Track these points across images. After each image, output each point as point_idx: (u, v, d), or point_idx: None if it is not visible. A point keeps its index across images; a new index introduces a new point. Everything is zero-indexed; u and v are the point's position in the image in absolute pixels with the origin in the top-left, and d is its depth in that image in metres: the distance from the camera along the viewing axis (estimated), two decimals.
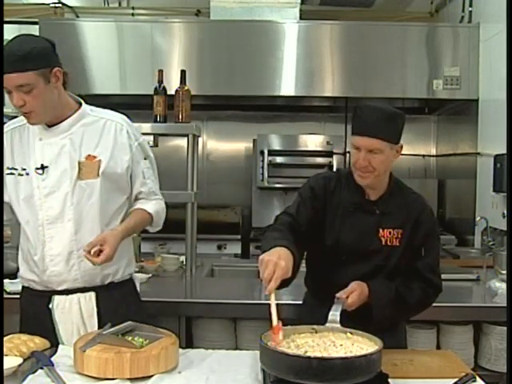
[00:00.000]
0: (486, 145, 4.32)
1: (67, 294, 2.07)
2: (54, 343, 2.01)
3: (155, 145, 3.23)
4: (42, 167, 2.02)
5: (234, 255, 4.18)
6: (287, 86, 4.65)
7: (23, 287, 2.19)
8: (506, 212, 3.66)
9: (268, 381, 1.68)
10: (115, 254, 1.96)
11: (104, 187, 2.04)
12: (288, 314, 2.44)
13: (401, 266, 2.03)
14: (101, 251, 1.92)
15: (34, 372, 1.76)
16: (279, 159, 5.18)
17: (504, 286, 2.84)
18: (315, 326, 1.83)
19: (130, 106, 3.14)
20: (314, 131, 5.45)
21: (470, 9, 4.70)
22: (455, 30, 4.63)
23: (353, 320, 1.86)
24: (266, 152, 5.10)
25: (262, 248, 1.88)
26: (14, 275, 2.86)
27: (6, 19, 4.44)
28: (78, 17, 5.21)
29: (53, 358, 1.85)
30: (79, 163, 2.02)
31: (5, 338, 1.92)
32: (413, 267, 2.03)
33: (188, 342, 2.67)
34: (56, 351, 1.94)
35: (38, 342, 1.97)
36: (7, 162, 2.06)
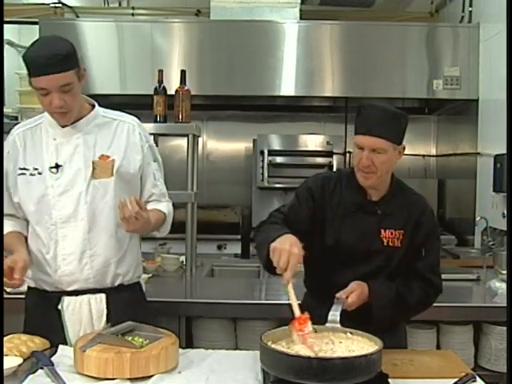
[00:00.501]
0: (486, 145, 4.32)
1: (77, 294, 2.07)
2: (62, 343, 2.00)
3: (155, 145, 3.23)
4: (57, 166, 2.03)
5: (234, 255, 4.18)
6: (287, 86, 4.65)
7: (29, 288, 2.16)
8: (506, 212, 3.66)
9: (268, 381, 1.68)
10: (143, 228, 1.97)
11: (117, 187, 2.06)
12: (288, 314, 2.44)
13: (402, 266, 2.03)
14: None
15: (33, 372, 1.76)
16: (279, 159, 5.19)
17: (504, 285, 2.84)
18: (315, 326, 1.82)
19: (130, 106, 3.13)
20: (314, 131, 5.46)
21: (470, 9, 4.70)
22: (455, 30, 4.63)
23: (353, 320, 1.86)
24: (265, 152, 5.10)
25: (258, 240, 1.90)
26: None
27: (6, 19, 4.45)
28: (78, 17, 5.21)
29: (53, 358, 1.85)
30: (93, 163, 2.04)
31: (5, 338, 1.92)
32: (413, 267, 2.03)
33: (188, 342, 2.67)
34: (56, 351, 1.93)
35: (37, 342, 1.97)
36: (19, 163, 2.07)
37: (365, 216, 2.01)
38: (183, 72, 3.23)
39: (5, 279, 1.91)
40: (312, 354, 1.65)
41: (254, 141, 5.24)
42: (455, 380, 1.76)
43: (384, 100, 4.72)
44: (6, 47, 5.51)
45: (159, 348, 1.77)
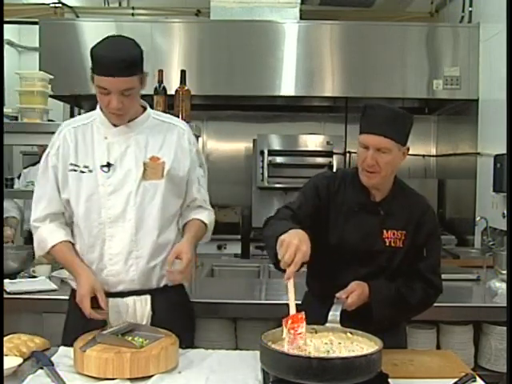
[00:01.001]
0: (486, 145, 4.32)
1: (122, 296, 2.06)
2: None
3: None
4: (108, 165, 2.03)
5: (234, 255, 4.18)
6: (287, 86, 4.65)
7: (73, 290, 2.11)
8: (506, 212, 3.66)
9: (268, 381, 1.68)
10: (195, 260, 2.00)
11: (166, 189, 2.05)
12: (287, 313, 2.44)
13: (403, 266, 2.03)
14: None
15: (34, 372, 1.76)
16: (279, 159, 5.18)
17: (504, 285, 2.84)
18: (315, 326, 1.82)
19: None
20: (314, 131, 5.46)
21: (470, 9, 4.70)
22: (455, 30, 4.63)
23: (353, 320, 1.86)
24: (265, 152, 5.10)
25: (267, 234, 1.89)
26: (13, 275, 2.87)
27: (6, 19, 4.45)
28: (78, 17, 5.21)
29: (53, 358, 1.85)
30: (144, 164, 2.03)
31: (5, 338, 1.92)
32: (414, 268, 2.03)
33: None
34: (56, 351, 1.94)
35: (38, 342, 1.97)
36: (70, 159, 2.06)
37: (367, 216, 2.02)
38: (183, 72, 3.22)
39: (92, 312, 1.92)
40: (312, 354, 1.65)
41: (254, 141, 5.24)
42: (455, 380, 1.76)
43: (384, 100, 4.73)
44: (6, 47, 5.53)
45: (159, 348, 1.77)
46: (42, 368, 1.78)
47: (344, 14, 5.29)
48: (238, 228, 5.02)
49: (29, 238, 4.43)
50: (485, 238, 3.90)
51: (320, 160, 5.13)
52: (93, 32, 4.51)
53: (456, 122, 5.15)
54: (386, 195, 2.04)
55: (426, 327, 2.75)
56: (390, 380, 1.69)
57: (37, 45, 4.61)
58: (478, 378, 1.79)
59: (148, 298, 2.07)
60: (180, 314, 2.09)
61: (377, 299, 1.95)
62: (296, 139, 5.21)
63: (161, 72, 3.22)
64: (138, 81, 1.95)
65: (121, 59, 1.89)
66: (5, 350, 1.85)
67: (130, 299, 2.06)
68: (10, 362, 1.78)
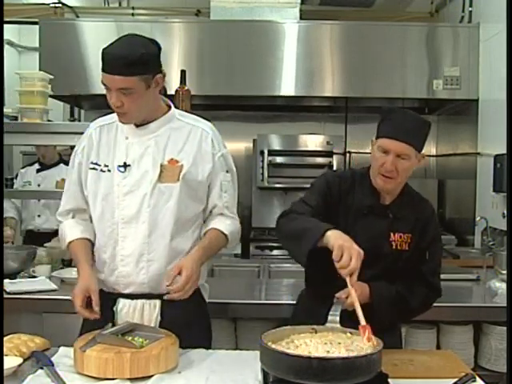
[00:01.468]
0: (486, 145, 4.32)
1: (132, 298, 2.04)
2: None
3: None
4: (125, 165, 2.01)
5: (234, 255, 4.18)
6: (287, 86, 4.65)
7: None
8: (506, 212, 3.66)
9: (268, 381, 1.68)
10: (199, 277, 1.94)
11: (182, 193, 2.01)
12: (289, 313, 2.44)
13: (405, 269, 2.03)
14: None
15: (34, 372, 1.76)
16: (279, 159, 5.18)
17: (504, 285, 2.84)
18: (315, 326, 1.82)
19: None
20: (314, 131, 5.45)
21: (470, 9, 4.70)
22: (455, 30, 4.63)
23: (353, 320, 1.86)
24: (265, 152, 5.10)
25: (289, 228, 1.88)
26: (13, 275, 2.87)
27: (6, 19, 4.45)
28: (78, 17, 5.21)
29: (53, 358, 1.85)
30: (161, 166, 2.00)
31: (5, 338, 1.92)
32: (417, 270, 2.03)
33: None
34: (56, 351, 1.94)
35: (38, 342, 1.97)
36: (92, 157, 2.06)
37: (376, 219, 2.01)
38: (183, 72, 3.23)
39: (80, 310, 1.92)
40: (312, 354, 1.65)
41: (254, 141, 5.24)
42: (455, 380, 1.76)
43: (384, 100, 4.73)
44: (6, 47, 5.53)
45: (159, 348, 1.77)
46: (42, 368, 1.78)
47: (344, 13, 5.29)
48: None
49: (28, 238, 4.44)
50: (485, 238, 3.90)
51: (320, 160, 5.13)
52: (93, 32, 4.51)
53: (456, 122, 5.15)
54: (394, 198, 2.04)
55: (425, 327, 2.75)
56: (389, 380, 1.69)
57: (37, 45, 4.61)
58: (477, 378, 1.79)
59: (158, 302, 2.03)
60: (191, 321, 2.05)
61: (377, 300, 1.95)
62: (296, 139, 5.21)
63: None
64: (140, 82, 1.89)
65: (119, 56, 1.87)
66: (5, 349, 1.85)
67: (139, 302, 2.04)
68: (10, 361, 1.78)
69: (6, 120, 3.06)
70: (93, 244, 2.11)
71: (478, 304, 2.80)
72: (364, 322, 1.73)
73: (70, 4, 5.29)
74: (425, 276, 2.03)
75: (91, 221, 2.13)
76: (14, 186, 4.30)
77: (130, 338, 1.82)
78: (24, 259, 2.94)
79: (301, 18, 4.69)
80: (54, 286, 2.74)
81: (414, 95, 4.69)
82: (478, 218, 3.86)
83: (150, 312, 2.04)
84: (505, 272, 2.88)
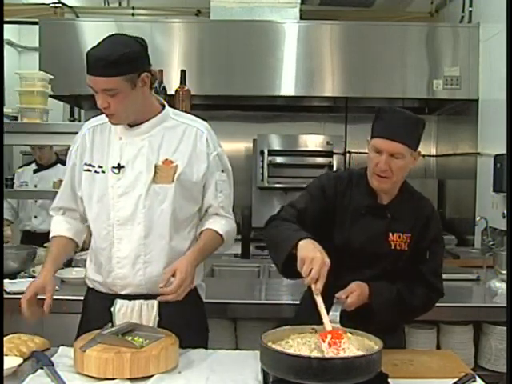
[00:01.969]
0: (486, 145, 4.31)
1: (130, 299, 2.03)
2: None
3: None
4: (119, 166, 1.99)
5: (234, 255, 4.17)
6: (287, 86, 4.65)
7: (88, 288, 2.15)
8: (506, 212, 3.66)
9: (268, 381, 1.68)
10: (193, 279, 1.93)
11: (177, 194, 1.99)
12: (289, 313, 2.44)
13: (405, 269, 2.03)
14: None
15: (34, 372, 1.76)
16: (279, 159, 5.18)
17: (504, 285, 2.84)
18: (315, 326, 1.82)
19: None
20: (314, 131, 5.45)
21: (470, 9, 4.70)
22: (455, 30, 4.63)
23: (353, 320, 1.86)
24: (265, 152, 5.10)
25: (270, 236, 1.92)
26: (13, 275, 2.87)
27: (6, 19, 4.45)
28: (78, 17, 5.21)
29: (53, 358, 1.85)
30: (156, 167, 1.98)
31: (5, 338, 1.92)
32: (417, 271, 2.03)
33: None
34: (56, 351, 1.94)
35: (38, 342, 1.97)
36: (86, 158, 2.05)
37: (374, 219, 2.01)
38: (183, 72, 3.23)
39: (25, 306, 1.90)
40: (312, 354, 1.65)
41: (254, 141, 5.24)
42: (455, 380, 1.76)
43: (384, 100, 4.73)
44: (6, 47, 5.52)
45: (159, 348, 1.77)
46: (42, 368, 1.78)
47: (344, 13, 5.29)
48: (238, 228, 5.01)
49: (25, 238, 4.43)
50: (485, 238, 3.90)
51: (320, 160, 5.13)
52: (93, 32, 4.51)
53: (456, 122, 5.15)
54: (393, 198, 2.03)
55: (426, 327, 2.75)
56: (389, 380, 1.69)
57: (37, 45, 4.61)
58: (477, 378, 1.79)
59: (155, 303, 2.01)
60: (188, 320, 2.04)
61: (378, 301, 1.94)
62: (296, 139, 5.21)
63: (161, 72, 3.22)
64: (124, 82, 1.86)
65: (99, 58, 1.83)
66: (5, 349, 1.85)
67: (137, 302, 2.03)
68: (10, 361, 1.78)
69: (6, 120, 3.06)
70: (76, 244, 2.13)
71: (478, 304, 2.80)
72: (330, 327, 1.72)
73: (70, 4, 5.29)
74: (425, 276, 2.02)
75: (81, 221, 2.14)
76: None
77: (129, 338, 1.82)
78: (24, 259, 2.94)
79: (301, 18, 4.69)
80: None
81: (413, 95, 4.69)
82: (478, 218, 3.86)
83: (148, 312, 2.03)
84: (505, 272, 2.88)
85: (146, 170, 1.98)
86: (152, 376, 1.73)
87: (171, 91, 3.23)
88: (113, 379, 1.70)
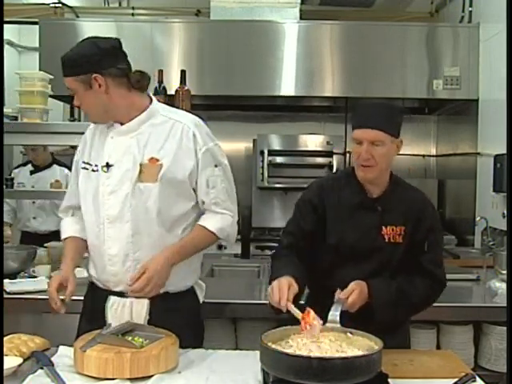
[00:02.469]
0: (486, 145, 4.31)
1: (122, 296, 2.04)
2: None
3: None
4: (107, 165, 2.01)
5: (234, 255, 4.18)
6: (287, 86, 4.65)
7: (90, 282, 2.19)
8: (506, 212, 3.66)
9: (268, 381, 1.68)
10: (164, 280, 1.94)
11: (164, 192, 1.98)
12: (288, 314, 2.43)
13: (404, 262, 2.03)
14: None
15: (34, 372, 1.76)
16: (279, 159, 5.18)
17: (504, 285, 2.84)
18: None
19: None
20: (314, 131, 5.45)
21: (470, 9, 4.70)
22: (455, 30, 4.63)
23: (353, 320, 1.86)
24: (265, 152, 5.10)
25: (271, 270, 2.02)
26: (13, 275, 2.87)
27: (6, 19, 4.45)
28: (78, 17, 5.21)
29: (53, 358, 1.85)
30: (141, 165, 1.98)
31: (5, 338, 1.92)
32: (416, 262, 2.03)
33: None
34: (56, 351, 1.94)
35: (38, 342, 1.97)
36: (84, 157, 2.09)
37: (365, 213, 2.02)
38: (183, 72, 3.23)
39: (54, 294, 1.95)
40: (313, 354, 1.65)
41: (254, 141, 5.24)
42: (455, 380, 1.76)
43: (384, 100, 4.72)
44: (6, 47, 5.52)
45: (159, 348, 1.77)
46: (42, 368, 1.78)
47: (344, 13, 5.29)
48: (237, 228, 5.01)
49: (24, 238, 4.43)
50: (485, 238, 3.90)
51: (320, 160, 5.13)
52: (93, 32, 4.44)
53: (456, 122, 5.15)
54: (382, 191, 2.04)
55: (426, 327, 2.75)
56: (389, 380, 1.69)
57: (37, 45, 4.61)
58: (477, 378, 1.79)
59: (145, 302, 2.01)
60: (181, 321, 2.02)
61: (376, 297, 1.94)
62: (296, 139, 5.21)
63: (161, 72, 3.23)
64: (78, 83, 1.93)
65: (62, 60, 1.95)
66: (5, 349, 1.85)
67: (127, 300, 2.03)
68: (10, 361, 1.78)
69: (6, 120, 3.06)
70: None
71: (478, 304, 2.80)
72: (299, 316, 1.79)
73: (70, 4, 5.29)
74: (426, 267, 2.02)
75: None
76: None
77: (129, 338, 1.82)
78: (24, 259, 2.94)
79: (301, 18, 4.69)
80: None
81: (414, 95, 4.69)
82: (478, 218, 3.86)
83: (138, 310, 2.03)
84: (505, 272, 2.88)
85: (132, 168, 1.98)
86: (152, 376, 1.73)
87: (171, 91, 3.23)
88: (113, 379, 1.70)
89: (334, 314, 1.86)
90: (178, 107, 3.16)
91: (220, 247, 4.83)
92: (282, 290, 1.80)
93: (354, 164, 2.01)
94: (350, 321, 1.85)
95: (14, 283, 2.73)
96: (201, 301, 2.21)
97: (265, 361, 1.68)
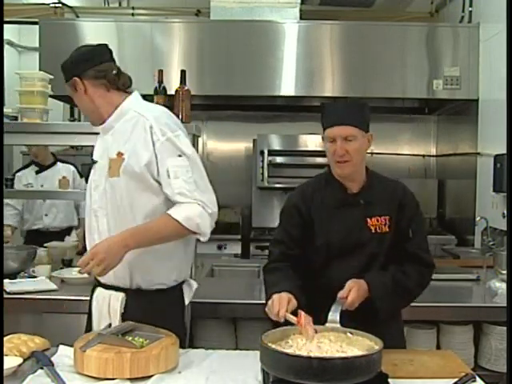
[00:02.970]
0: (486, 145, 4.31)
1: (105, 288, 2.11)
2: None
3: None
4: (93, 162, 2.15)
5: (234, 255, 4.18)
6: (287, 86, 4.65)
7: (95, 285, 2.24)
8: (506, 212, 3.66)
9: (268, 381, 1.68)
10: (115, 260, 1.92)
11: (129, 186, 2.01)
12: None
13: (393, 251, 2.07)
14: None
15: (34, 372, 1.76)
16: (279, 159, 5.19)
17: (504, 285, 2.84)
18: (315, 326, 1.82)
19: None
20: (314, 131, 5.43)
21: (470, 9, 4.70)
22: (455, 30, 4.63)
23: (353, 320, 1.86)
24: (265, 152, 5.10)
25: (264, 285, 2.05)
26: (13, 275, 2.87)
27: (6, 19, 4.45)
28: (78, 17, 5.21)
29: (53, 358, 1.85)
30: (110, 160, 2.05)
31: (5, 338, 1.92)
32: (404, 250, 2.07)
33: (188, 342, 2.66)
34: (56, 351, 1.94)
35: (38, 342, 1.97)
36: (94, 155, 2.20)
37: (349, 209, 2.07)
38: (183, 72, 3.22)
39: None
40: (313, 354, 1.66)
41: (254, 141, 5.24)
42: (455, 380, 1.76)
43: (384, 100, 4.73)
44: (6, 47, 5.52)
45: (159, 348, 1.77)
46: (42, 368, 1.78)
47: (344, 13, 5.29)
48: (238, 228, 5.02)
49: (34, 236, 4.45)
50: (485, 238, 3.90)
51: (320, 160, 5.11)
52: (93, 32, 4.51)
53: (456, 121, 5.15)
54: (362, 186, 2.10)
55: (426, 327, 2.75)
56: (389, 380, 1.69)
57: (37, 45, 4.60)
58: (477, 378, 1.79)
59: (120, 296, 2.05)
60: (158, 321, 1.97)
61: (376, 290, 1.97)
62: (296, 139, 5.21)
63: (161, 72, 3.22)
64: (68, 87, 2.11)
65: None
66: (5, 349, 1.85)
67: (107, 292, 2.09)
68: (10, 361, 1.78)
69: (6, 120, 3.05)
70: None
71: (478, 304, 2.80)
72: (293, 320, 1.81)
73: (70, 4, 5.29)
74: (413, 253, 2.07)
75: None
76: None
77: (130, 338, 1.82)
78: (24, 259, 2.94)
79: (301, 18, 4.69)
80: (53, 286, 2.74)
81: (414, 95, 4.69)
82: (478, 218, 3.86)
83: (114, 304, 2.06)
84: (505, 272, 2.88)
85: (106, 164, 2.07)
86: (152, 376, 1.73)
87: (171, 91, 3.22)
88: (113, 379, 1.70)
89: (334, 314, 1.87)
90: (177, 107, 3.18)
91: (220, 247, 4.84)
92: (282, 304, 1.83)
93: (330, 162, 2.07)
94: (350, 321, 1.86)
95: (14, 283, 2.73)
96: (186, 302, 2.18)
97: (265, 361, 1.68)
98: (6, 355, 1.82)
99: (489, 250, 3.45)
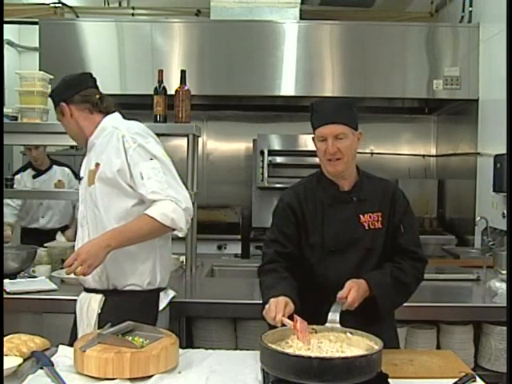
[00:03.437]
0: (486, 145, 4.32)
1: (88, 291, 2.23)
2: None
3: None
4: (80, 179, 2.31)
5: (234, 255, 4.19)
6: (287, 86, 4.65)
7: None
8: (506, 212, 3.66)
9: (268, 381, 1.68)
10: (97, 260, 2.02)
11: (102, 192, 2.16)
12: None
13: (387, 247, 2.09)
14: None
15: (34, 372, 1.76)
16: (279, 159, 5.19)
17: (504, 286, 2.84)
18: (315, 326, 1.83)
19: (130, 106, 3.14)
20: None
21: (470, 9, 4.70)
22: (455, 30, 4.63)
23: (354, 319, 1.86)
24: (265, 152, 5.10)
25: (261, 288, 2.05)
26: (13, 275, 2.87)
27: (6, 19, 4.46)
28: (78, 17, 5.21)
29: (53, 358, 1.85)
30: (89, 172, 2.21)
31: (5, 338, 1.92)
32: (397, 245, 2.09)
33: (188, 342, 2.67)
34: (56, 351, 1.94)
35: (38, 342, 1.97)
36: (80, 172, 2.35)
37: (342, 206, 2.09)
38: (183, 72, 3.22)
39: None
40: (313, 354, 1.66)
41: (254, 141, 5.24)
42: (455, 380, 1.76)
43: (384, 100, 4.73)
44: (6, 47, 5.52)
45: (159, 348, 1.77)
46: (42, 368, 1.78)
47: (344, 13, 5.29)
48: (238, 228, 5.02)
49: (30, 234, 4.46)
50: (485, 238, 3.90)
51: None
52: (93, 32, 4.51)
53: (456, 122, 5.15)
54: (353, 184, 2.11)
55: (426, 327, 2.75)
56: (390, 380, 1.69)
57: (37, 45, 4.61)
58: (478, 378, 1.79)
59: (98, 297, 2.18)
60: (130, 320, 1.99)
61: (378, 288, 1.97)
62: (296, 139, 5.21)
63: (161, 72, 3.22)
64: (58, 112, 2.28)
65: None
66: (5, 349, 1.85)
67: (87, 295, 2.22)
68: (10, 361, 1.78)
69: (5, 120, 3.06)
70: None
71: (478, 304, 2.80)
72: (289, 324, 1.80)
73: (70, 4, 5.29)
74: (406, 248, 2.09)
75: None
76: None
77: (130, 338, 1.83)
78: (24, 259, 2.94)
79: (301, 18, 4.69)
80: (54, 286, 2.74)
81: (414, 95, 4.70)
82: (477, 218, 3.87)
83: (93, 305, 2.17)
84: (505, 272, 2.88)
85: (87, 175, 2.23)
86: (152, 376, 1.73)
87: (171, 91, 3.23)
88: (113, 379, 1.70)
89: (334, 314, 1.87)
90: (177, 107, 3.18)
91: (220, 247, 4.84)
92: (279, 308, 1.84)
93: (322, 161, 2.09)
94: (350, 321, 1.86)
95: (13, 283, 2.73)
96: (160, 307, 2.24)
97: (265, 361, 1.68)
98: (6, 355, 1.82)
99: (489, 250, 3.45)
